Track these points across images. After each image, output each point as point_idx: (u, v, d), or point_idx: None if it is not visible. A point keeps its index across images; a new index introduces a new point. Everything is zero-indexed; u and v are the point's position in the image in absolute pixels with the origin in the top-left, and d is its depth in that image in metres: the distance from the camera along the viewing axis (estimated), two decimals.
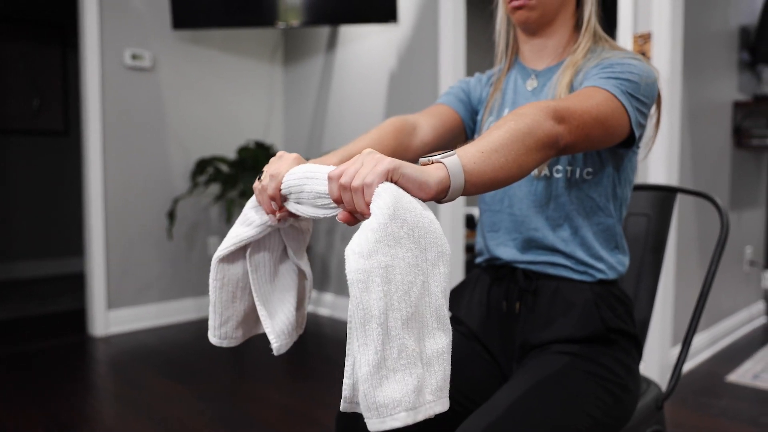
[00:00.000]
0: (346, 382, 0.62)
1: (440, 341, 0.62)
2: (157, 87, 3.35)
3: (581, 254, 1.02)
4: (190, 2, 3.18)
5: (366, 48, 3.39)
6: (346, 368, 0.62)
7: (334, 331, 3.32)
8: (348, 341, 0.60)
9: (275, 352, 0.81)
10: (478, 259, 1.15)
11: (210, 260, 3.57)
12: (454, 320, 1.13)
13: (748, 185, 3.23)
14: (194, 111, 3.53)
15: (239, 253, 0.79)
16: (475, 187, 0.70)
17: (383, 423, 0.57)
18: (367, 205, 0.61)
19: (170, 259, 3.45)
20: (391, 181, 0.62)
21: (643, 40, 2.32)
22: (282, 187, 0.72)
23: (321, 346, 3.03)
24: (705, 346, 2.76)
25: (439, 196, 0.66)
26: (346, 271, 0.58)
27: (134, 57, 3.23)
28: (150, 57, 3.30)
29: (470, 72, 5.22)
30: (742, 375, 2.52)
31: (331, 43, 3.60)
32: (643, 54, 2.32)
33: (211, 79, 3.60)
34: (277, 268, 0.82)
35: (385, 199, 0.60)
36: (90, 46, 3.06)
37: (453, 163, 0.67)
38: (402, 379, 0.57)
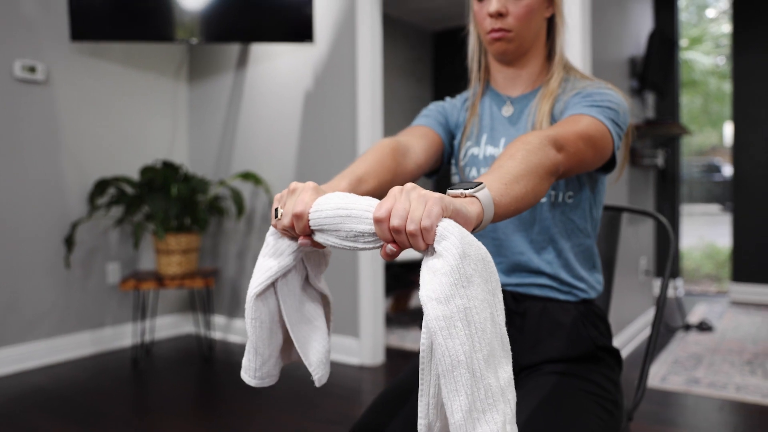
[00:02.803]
0: (422, 422, 0.62)
1: (508, 369, 0.62)
2: (52, 101, 3.08)
3: (565, 275, 1.05)
4: (90, 13, 2.96)
5: (280, 67, 3.33)
6: (420, 409, 0.62)
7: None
8: (421, 383, 0.61)
9: (317, 384, 0.78)
10: None
11: (110, 288, 3.34)
12: None
13: (640, 200, 3.52)
14: (92, 128, 3.27)
15: (268, 286, 0.74)
16: (498, 218, 0.70)
17: None
18: (426, 245, 0.60)
19: (64, 289, 3.15)
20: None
21: None
22: (311, 224, 0.67)
23: (233, 374, 2.89)
24: None
25: (474, 230, 0.66)
26: (427, 319, 0.57)
27: (25, 69, 2.95)
28: (44, 69, 3.02)
29: (387, 94, 5.29)
30: (651, 378, 2.71)
31: (242, 60, 3.50)
32: None
33: (111, 94, 3.37)
34: (302, 296, 0.77)
35: (453, 240, 0.59)
36: None
37: (485, 196, 0.67)
38: (492, 419, 0.58)
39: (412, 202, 0.60)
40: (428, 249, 0.60)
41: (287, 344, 0.80)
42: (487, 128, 1.13)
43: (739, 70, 4.59)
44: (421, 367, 0.60)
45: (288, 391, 2.65)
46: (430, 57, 6.09)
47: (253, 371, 0.76)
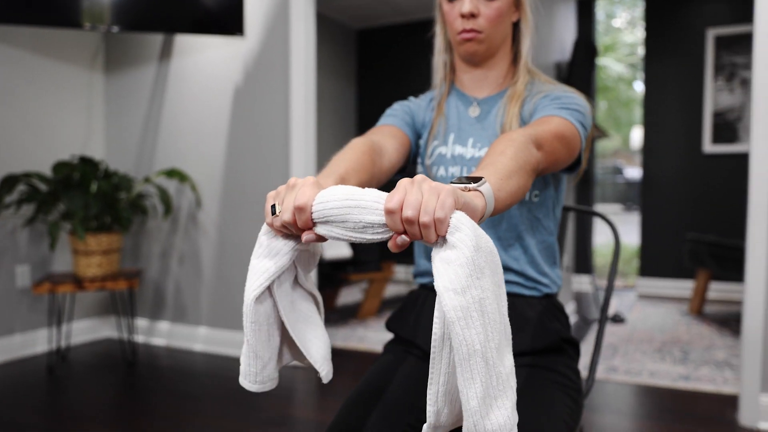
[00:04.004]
0: (431, 409, 0.63)
1: (511, 357, 0.64)
2: None
3: (530, 271, 1.08)
4: None
5: (208, 60, 3.22)
6: (429, 396, 0.63)
7: (173, 361, 3.07)
8: (432, 370, 0.62)
9: (324, 380, 0.77)
10: (423, 280, 1.16)
11: (20, 292, 3.11)
12: (405, 343, 1.12)
13: (565, 200, 3.68)
14: None
15: (265, 288, 0.71)
16: (495, 212, 0.72)
17: None
18: (438, 237, 0.60)
19: None
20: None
21: None
22: (314, 217, 0.66)
23: (161, 379, 2.78)
24: None
25: (478, 222, 0.66)
26: (444, 309, 0.58)
27: None
28: None
29: (320, 90, 5.23)
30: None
31: (166, 52, 3.35)
32: None
33: (18, 82, 3.13)
34: (293, 295, 0.75)
35: (467, 232, 0.60)
36: None
37: (488, 190, 0.68)
38: (503, 405, 0.60)
39: (424, 194, 0.60)
40: (437, 240, 0.61)
41: (281, 346, 0.79)
42: (454, 128, 1.14)
43: (650, 77, 4.91)
44: (432, 356, 0.62)
45: (223, 394, 2.57)
46: (355, 56, 6.10)
47: (254, 376, 0.74)
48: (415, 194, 0.60)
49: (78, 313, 3.42)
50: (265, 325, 0.72)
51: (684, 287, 4.77)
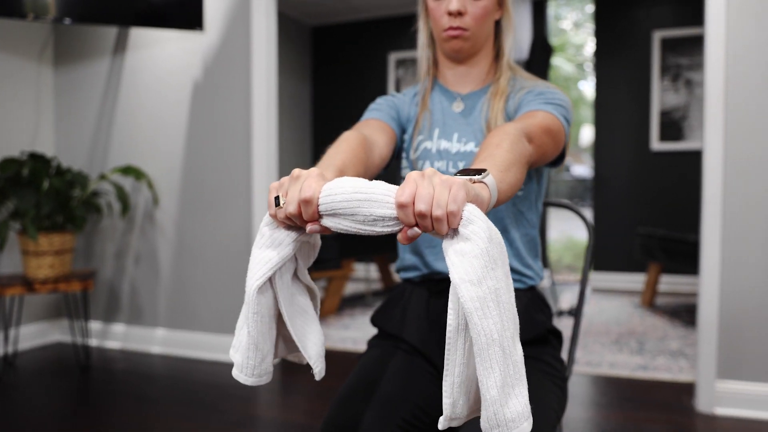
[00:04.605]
0: (447, 401, 0.63)
1: (520, 346, 0.65)
2: None
3: (516, 264, 1.09)
4: None
5: (165, 54, 3.13)
6: (445, 387, 0.63)
7: (130, 365, 2.97)
8: (447, 361, 0.63)
9: (317, 377, 0.76)
10: (408, 275, 1.16)
11: None
12: (393, 338, 1.11)
13: None
14: None
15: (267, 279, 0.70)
16: (496, 205, 0.72)
17: None
18: (450, 230, 0.61)
19: None
20: None
21: None
22: (321, 209, 0.65)
23: (117, 383, 2.69)
24: None
25: None
26: (462, 300, 0.58)
27: None
28: None
29: (281, 87, 5.15)
30: None
31: (120, 45, 3.24)
32: None
33: None
34: (292, 288, 0.74)
35: (481, 224, 0.61)
36: None
37: (491, 182, 0.69)
38: (520, 392, 0.61)
39: (435, 187, 0.60)
40: (448, 233, 0.61)
41: (276, 339, 0.78)
42: (439, 123, 1.15)
43: (600, 78, 5.05)
44: (447, 347, 0.62)
45: (184, 396, 2.51)
46: (310, 53, 6.05)
47: (252, 369, 0.72)
48: (427, 187, 0.60)
49: (27, 316, 3.28)
50: (267, 317, 0.71)
51: (636, 280, 4.94)
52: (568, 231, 9.46)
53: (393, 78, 5.73)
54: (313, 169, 0.68)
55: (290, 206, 0.65)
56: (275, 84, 2.97)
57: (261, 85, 2.90)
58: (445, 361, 0.62)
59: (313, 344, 0.76)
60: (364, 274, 5.57)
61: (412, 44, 5.67)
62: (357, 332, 3.57)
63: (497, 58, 1.17)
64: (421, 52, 1.19)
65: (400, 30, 5.69)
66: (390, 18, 5.75)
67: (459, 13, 1.06)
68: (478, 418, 0.67)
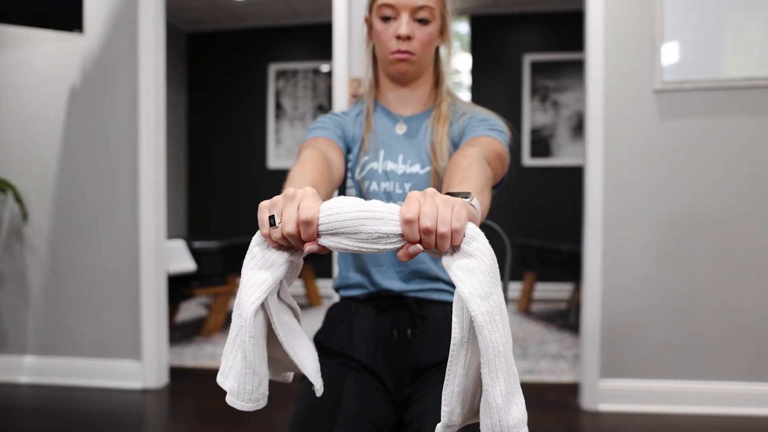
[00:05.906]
0: (445, 409, 0.67)
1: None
2: None
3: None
4: None
5: (38, 56, 2.86)
6: (444, 396, 0.66)
7: (39, 400, 2.65)
8: (448, 372, 0.66)
9: (318, 393, 0.75)
10: (352, 292, 1.15)
11: None
12: (339, 355, 1.10)
13: None
14: None
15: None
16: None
17: None
18: (450, 246, 0.63)
19: None
20: None
21: (357, 83, 2.59)
22: (321, 228, 0.64)
23: (27, 422, 2.40)
24: None
25: None
26: (473, 314, 0.61)
27: None
28: None
29: (169, 98, 4.84)
30: None
31: None
32: (356, 96, 2.59)
33: None
34: (279, 307, 0.72)
35: (483, 241, 0.65)
36: None
37: (477, 204, 0.74)
38: (519, 400, 0.65)
39: (438, 206, 0.63)
40: (448, 250, 0.64)
41: (268, 362, 0.75)
42: (383, 144, 1.16)
43: (476, 98, 5.34)
44: (450, 358, 0.66)
45: (59, 428, 2.29)
46: (185, 60, 5.82)
47: (249, 394, 0.69)
48: (430, 206, 0.63)
49: None
50: (261, 339, 0.69)
51: (512, 289, 5.25)
52: None
53: (273, 89, 5.66)
54: (307, 189, 0.67)
55: (288, 226, 0.64)
56: (163, 92, 2.82)
57: (149, 92, 2.74)
58: (447, 372, 0.65)
59: (309, 361, 0.75)
60: None
61: (292, 56, 5.66)
62: None
63: (437, 84, 1.21)
64: (367, 71, 1.21)
65: (281, 41, 5.65)
66: (271, 28, 5.69)
67: (408, 38, 1.09)
68: (470, 425, 0.70)
